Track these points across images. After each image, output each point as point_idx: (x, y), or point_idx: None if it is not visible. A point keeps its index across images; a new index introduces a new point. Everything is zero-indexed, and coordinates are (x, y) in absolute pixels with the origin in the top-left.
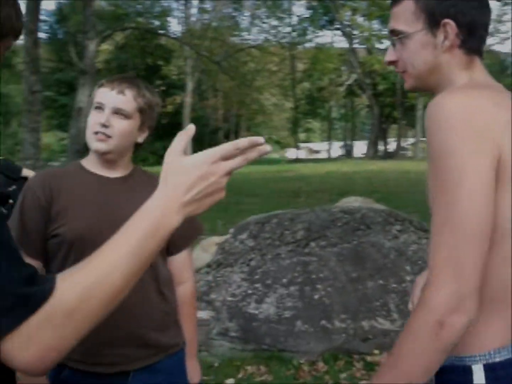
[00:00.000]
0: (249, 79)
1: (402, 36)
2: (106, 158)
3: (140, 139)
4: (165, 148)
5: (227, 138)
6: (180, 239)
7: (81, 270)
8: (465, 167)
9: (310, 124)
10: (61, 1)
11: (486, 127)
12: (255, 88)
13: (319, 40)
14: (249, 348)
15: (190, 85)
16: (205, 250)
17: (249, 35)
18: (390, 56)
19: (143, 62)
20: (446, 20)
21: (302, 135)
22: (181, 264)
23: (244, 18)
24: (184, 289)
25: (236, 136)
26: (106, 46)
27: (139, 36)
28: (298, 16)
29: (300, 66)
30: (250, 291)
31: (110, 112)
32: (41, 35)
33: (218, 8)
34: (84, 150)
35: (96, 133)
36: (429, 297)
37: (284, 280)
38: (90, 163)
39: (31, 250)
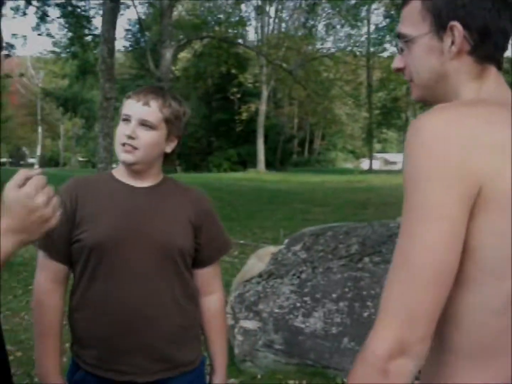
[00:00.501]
0: (322, 88)
1: (407, 39)
2: (134, 169)
3: (169, 148)
4: (239, 155)
5: (301, 146)
6: (206, 254)
7: None
8: (428, 204)
9: (386, 134)
10: (138, 11)
11: (463, 154)
12: (328, 97)
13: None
14: (293, 362)
15: (265, 93)
16: (260, 259)
17: (322, 44)
18: (397, 63)
19: (219, 70)
20: (453, 23)
21: (377, 146)
22: (208, 276)
23: (318, 26)
24: (211, 302)
25: (311, 145)
26: (184, 54)
27: (216, 45)
28: (375, 25)
29: (376, 75)
30: (298, 304)
31: (136, 123)
32: (125, 43)
33: (295, 16)
34: None
35: (123, 144)
36: (372, 343)
37: (334, 295)
38: (119, 173)
39: (55, 254)
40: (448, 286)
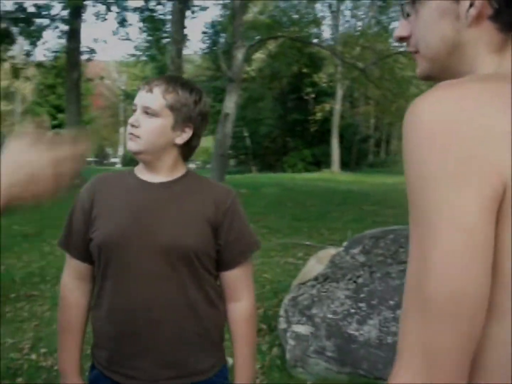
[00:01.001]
0: (397, 86)
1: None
2: (141, 159)
3: (179, 140)
4: (313, 155)
5: (378, 146)
6: (228, 255)
7: None
8: (438, 214)
9: None
10: (215, 13)
11: (479, 144)
12: (404, 96)
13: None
14: (345, 371)
15: (340, 93)
16: (319, 261)
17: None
18: (400, 30)
19: (293, 70)
20: None
21: None
22: (234, 281)
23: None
24: (237, 309)
25: (387, 145)
26: (259, 55)
27: (291, 45)
28: None
29: None
30: (352, 310)
31: (141, 111)
32: (201, 45)
33: (371, 14)
34: (226, 155)
35: (129, 133)
36: None
37: (391, 302)
38: (139, 168)
39: (76, 252)
40: (478, 320)
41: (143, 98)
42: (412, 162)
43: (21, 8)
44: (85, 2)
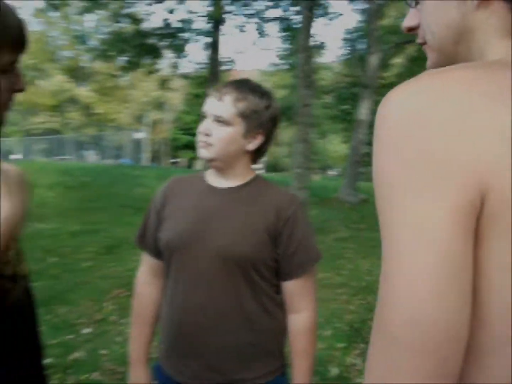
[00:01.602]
0: None
1: None
2: (214, 166)
3: (251, 146)
4: None
5: None
6: (286, 266)
7: None
8: (407, 223)
9: None
10: (357, 19)
11: (454, 143)
12: None
13: None
14: None
15: None
16: None
17: None
18: (408, 20)
19: None
20: None
21: None
22: (293, 292)
23: None
24: (296, 320)
25: None
26: (398, 59)
27: None
28: None
29: None
30: None
31: (212, 120)
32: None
33: None
34: (360, 161)
35: (201, 141)
36: None
37: None
38: (209, 172)
39: (149, 250)
40: (451, 359)
41: (213, 106)
42: (377, 163)
43: (166, 24)
44: (224, 15)
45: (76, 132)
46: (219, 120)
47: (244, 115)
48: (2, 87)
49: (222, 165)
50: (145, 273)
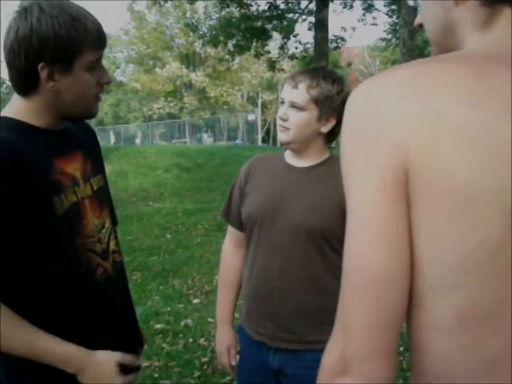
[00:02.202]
0: None
1: None
2: (291, 148)
3: (325, 128)
4: None
5: None
6: None
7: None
8: (353, 190)
9: None
10: None
11: (381, 125)
12: None
13: None
14: None
15: None
16: None
17: None
18: (418, 18)
19: None
20: None
21: None
22: None
23: None
24: None
25: None
26: None
27: None
28: None
29: None
30: None
31: (288, 106)
32: None
33: None
34: None
35: (280, 125)
36: (323, 358)
37: None
38: (288, 152)
39: (233, 222)
40: (387, 297)
41: (289, 93)
42: (341, 143)
43: (273, 6)
44: None
45: (192, 116)
46: (294, 106)
47: (317, 101)
48: (91, 82)
49: (298, 147)
50: (230, 243)
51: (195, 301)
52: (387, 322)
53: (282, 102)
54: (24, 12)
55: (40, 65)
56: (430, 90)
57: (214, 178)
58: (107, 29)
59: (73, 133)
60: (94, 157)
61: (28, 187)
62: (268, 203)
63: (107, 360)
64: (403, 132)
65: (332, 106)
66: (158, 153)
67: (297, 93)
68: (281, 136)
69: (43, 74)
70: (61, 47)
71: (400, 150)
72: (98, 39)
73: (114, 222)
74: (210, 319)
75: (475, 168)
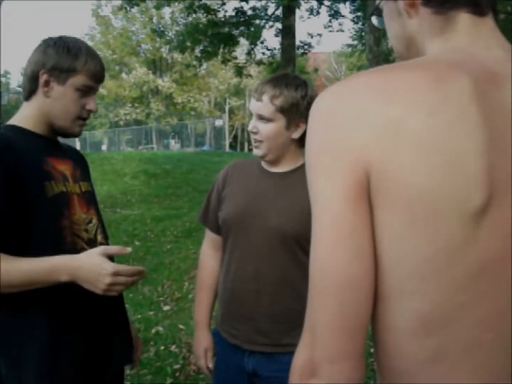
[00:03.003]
0: None
1: (376, 10)
2: (268, 160)
3: (296, 134)
4: None
5: None
6: None
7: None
8: (318, 198)
9: None
10: None
11: (344, 132)
12: None
13: None
14: None
15: None
16: None
17: None
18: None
19: None
20: None
21: None
22: None
23: None
24: None
25: None
26: None
27: None
28: None
29: None
30: None
31: (256, 118)
32: None
33: None
34: None
35: (253, 139)
36: (293, 360)
37: None
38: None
39: (211, 226)
40: (350, 300)
41: (255, 106)
42: (306, 151)
43: (240, 12)
44: None
45: (159, 122)
46: (262, 118)
47: (282, 110)
48: (77, 102)
49: (274, 157)
50: (208, 247)
51: (166, 308)
52: (352, 324)
53: (252, 116)
54: (50, 39)
55: (41, 71)
56: (389, 98)
57: (182, 185)
58: (71, 33)
59: (65, 149)
60: (83, 171)
61: (22, 170)
62: (244, 208)
63: (91, 255)
64: (364, 139)
65: (299, 112)
66: (125, 159)
67: (262, 105)
68: (256, 151)
69: (42, 79)
70: (61, 62)
71: (361, 157)
72: (94, 71)
73: (106, 237)
74: (181, 326)
75: (432, 176)
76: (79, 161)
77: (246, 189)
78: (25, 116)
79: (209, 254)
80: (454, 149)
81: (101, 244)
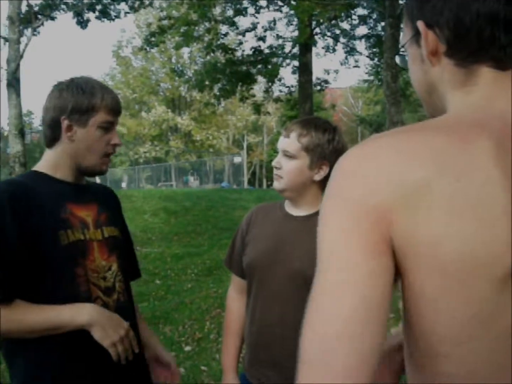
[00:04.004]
0: None
1: (401, 51)
2: (286, 196)
3: (318, 176)
4: None
5: None
6: None
7: (22, 309)
8: (324, 254)
9: None
10: None
11: (372, 192)
12: None
13: None
14: None
15: None
16: None
17: None
18: None
19: None
20: (418, 22)
21: None
22: None
23: None
24: None
25: None
26: None
27: None
28: None
29: None
30: None
31: (281, 155)
32: None
33: None
34: None
35: (274, 174)
36: None
37: None
38: (287, 202)
39: (236, 270)
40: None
41: (282, 142)
42: (322, 203)
43: (258, 51)
44: (315, 37)
45: (178, 159)
46: (286, 154)
47: (307, 149)
48: (102, 139)
49: (292, 194)
50: (234, 291)
51: (187, 348)
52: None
53: (277, 152)
54: (60, 83)
55: (62, 117)
56: (415, 161)
57: (202, 222)
58: (92, 74)
59: (93, 191)
60: (113, 213)
61: (36, 219)
62: (268, 252)
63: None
64: (388, 198)
65: (323, 154)
66: (145, 197)
67: (288, 141)
68: (275, 184)
69: (64, 124)
70: (79, 104)
71: (384, 215)
72: (112, 106)
73: (137, 274)
74: (203, 367)
75: (464, 241)
76: (108, 203)
77: (269, 234)
78: (49, 163)
79: (235, 297)
80: (485, 214)
81: (119, 293)
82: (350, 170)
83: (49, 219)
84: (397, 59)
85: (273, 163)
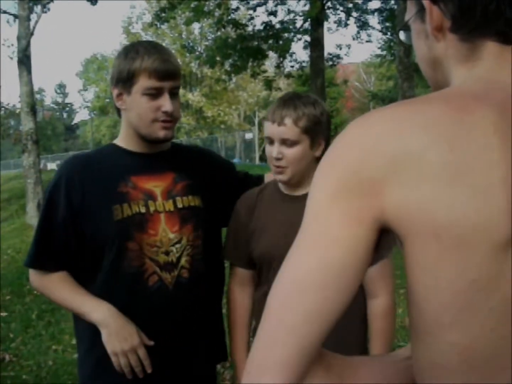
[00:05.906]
0: None
1: (404, 28)
2: (291, 184)
3: (318, 152)
4: None
5: None
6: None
7: (57, 284)
8: (310, 223)
9: None
10: None
11: (360, 161)
12: None
13: None
14: None
15: None
16: None
17: None
18: None
19: None
20: None
21: None
22: (371, 278)
23: None
24: (374, 305)
25: None
26: None
27: None
28: None
29: None
30: None
31: (279, 144)
32: None
33: None
34: None
35: (275, 166)
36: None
37: None
38: (279, 183)
39: (238, 261)
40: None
41: (277, 131)
42: (317, 170)
43: (269, 26)
44: (326, 11)
45: (190, 136)
46: (286, 143)
47: (307, 130)
48: (147, 106)
49: (298, 179)
50: (236, 284)
51: None
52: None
53: (271, 142)
54: (123, 47)
55: (112, 86)
56: (410, 131)
57: None
58: (102, 50)
59: (173, 158)
60: (198, 181)
61: (90, 194)
62: (279, 239)
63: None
64: (382, 171)
65: (320, 129)
66: None
67: (285, 129)
68: (279, 177)
69: (114, 93)
70: (120, 72)
71: (376, 187)
72: (154, 70)
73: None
74: None
75: (457, 207)
76: (197, 169)
77: (279, 219)
78: (121, 135)
79: (238, 291)
80: (480, 181)
81: (182, 268)
82: (349, 141)
83: (104, 195)
84: (401, 35)
85: (275, 155)
